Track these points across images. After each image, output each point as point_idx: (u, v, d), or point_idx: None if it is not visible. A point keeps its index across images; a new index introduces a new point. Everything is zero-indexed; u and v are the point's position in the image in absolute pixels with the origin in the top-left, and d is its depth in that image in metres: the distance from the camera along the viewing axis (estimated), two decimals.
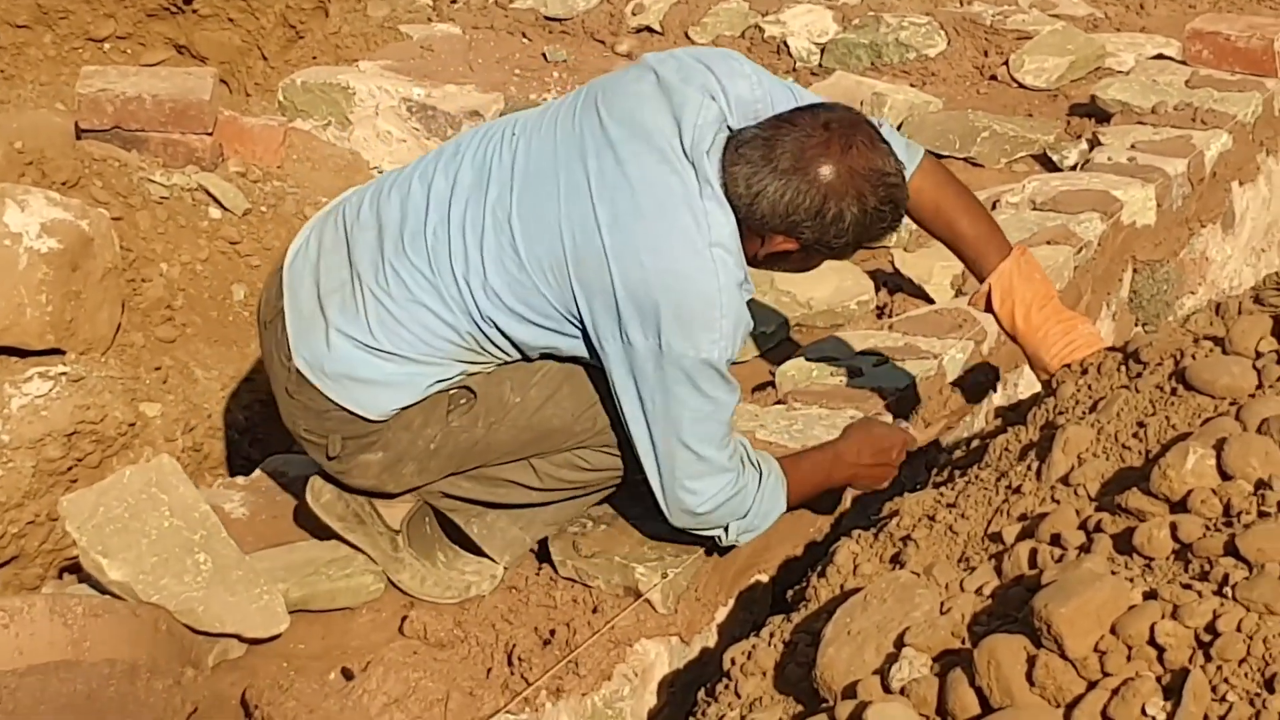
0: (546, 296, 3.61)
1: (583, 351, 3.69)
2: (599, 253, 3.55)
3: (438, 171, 3.73)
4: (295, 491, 4.21)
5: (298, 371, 3.77)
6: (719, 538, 3.83)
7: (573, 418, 3.77)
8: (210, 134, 6.14)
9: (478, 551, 3.92)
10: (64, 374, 5.12)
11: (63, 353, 5.18)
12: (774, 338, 5.02)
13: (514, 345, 3.72)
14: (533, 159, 3.65)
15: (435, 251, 3.66)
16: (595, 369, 3.73)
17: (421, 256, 3.67)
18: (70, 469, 5.08)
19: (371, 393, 3.73)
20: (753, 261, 3.65)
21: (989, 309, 3.91)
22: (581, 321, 3.62)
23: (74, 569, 4.04)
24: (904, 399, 4.49)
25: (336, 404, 3.74)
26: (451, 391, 3.76)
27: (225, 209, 5.98)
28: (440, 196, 3.70)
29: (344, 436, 3.78)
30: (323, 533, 3.98)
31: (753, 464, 3.80)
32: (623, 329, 3.56)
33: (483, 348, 3.72)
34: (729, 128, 3.60)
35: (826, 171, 3.51)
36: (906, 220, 3.78)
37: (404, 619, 3.82)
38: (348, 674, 3.68)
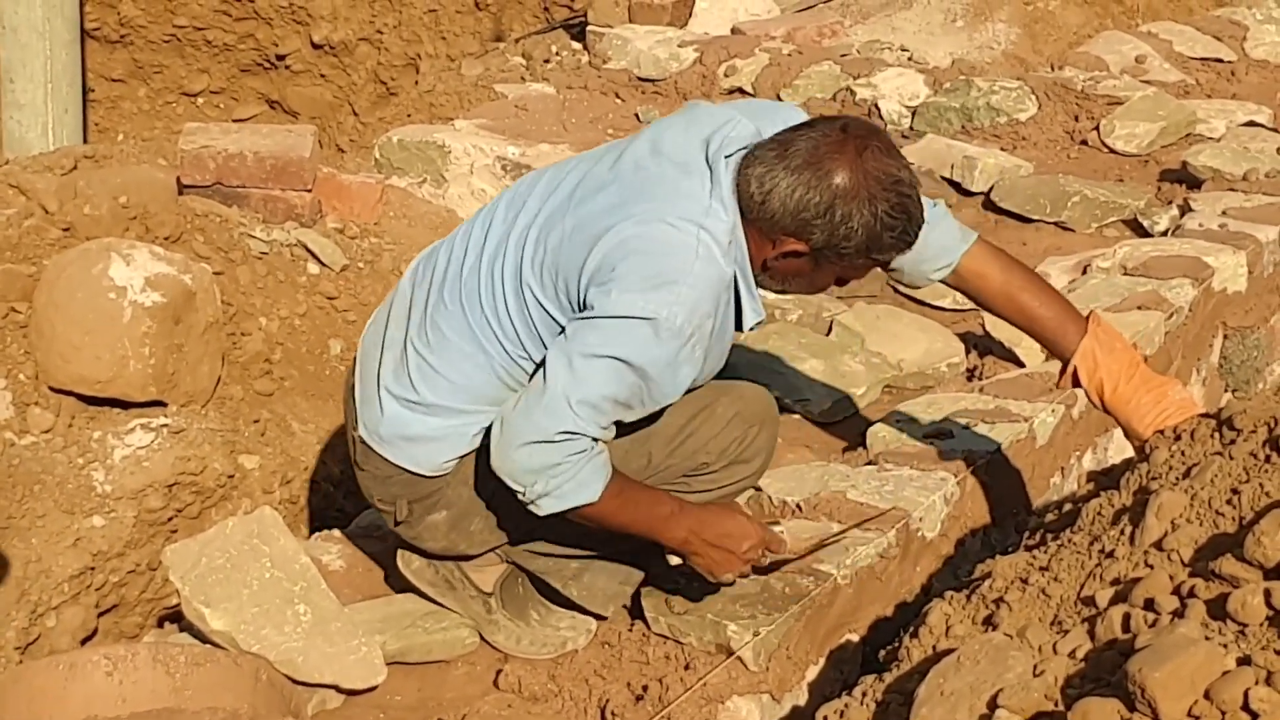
0: (560, 299, 3.56)
1: None
2: (600, 231, 3.52)
3: (492, 218, 3.74)
4: (391, 545, 4.26)
5: (361, 441, 3.83)
6: (521, 492, 3.56)
7: (619, 458, 3.65)
8: (310, 190, 6.19)
9: (571, 605, 3.94)
10: (165, 426, 5.19)
11: (164, 405, 5.24)
12: (865, 398, 5.05)
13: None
14: (581, 186, 3.65)
15: (467, 291, 3.68)
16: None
17: (456, 301, 3.69)
18: (170, 519, 5.13)
19: (424, 449, 3.76)
20: (764, 269, 3.61)
21: (1076, 385, 3.91)
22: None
23: (173, 618, 4.10)
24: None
25: (396, 466, 3.79)
26: None
27: (323, 265, 6.04)
28: (476, 241, 3.72)
29: (409, 500, 3.82)
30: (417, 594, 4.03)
31: (593, 440, 3.56)
32: (584, 294, 3.50)
33: (519, 382, 3.67)
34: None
35: (838, 171, 3.48)
36: None
37: (499, 672, 3.86)
38: None
